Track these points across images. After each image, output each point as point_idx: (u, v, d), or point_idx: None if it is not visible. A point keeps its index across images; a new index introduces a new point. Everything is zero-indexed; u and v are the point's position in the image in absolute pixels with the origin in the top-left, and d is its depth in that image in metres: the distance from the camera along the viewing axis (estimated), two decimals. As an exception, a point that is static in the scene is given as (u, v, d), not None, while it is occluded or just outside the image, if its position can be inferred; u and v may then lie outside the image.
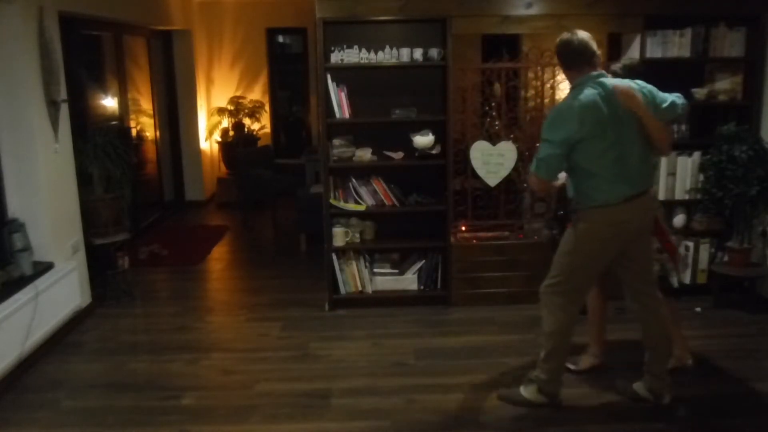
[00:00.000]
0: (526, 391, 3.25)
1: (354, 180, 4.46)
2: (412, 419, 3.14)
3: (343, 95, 4.31)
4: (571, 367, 3.48)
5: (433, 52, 4.29)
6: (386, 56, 4.30)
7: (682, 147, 4.48)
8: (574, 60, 2.96)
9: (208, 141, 8.16)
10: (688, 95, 4.43)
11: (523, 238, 4.54)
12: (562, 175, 3.18)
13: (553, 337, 3.13)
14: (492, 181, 4.41)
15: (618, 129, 2.89)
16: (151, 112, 6.98)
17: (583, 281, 3.13)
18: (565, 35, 2.99)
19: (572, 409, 3.20)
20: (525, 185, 4.53)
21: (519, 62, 4.49)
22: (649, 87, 3.04)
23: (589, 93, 2.87)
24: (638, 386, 3.28)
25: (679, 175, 4.47)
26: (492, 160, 4.38)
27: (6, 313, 3.41)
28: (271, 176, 7.06)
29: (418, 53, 4.28)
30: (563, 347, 3.16)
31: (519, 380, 3.47)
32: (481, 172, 4.41)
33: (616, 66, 3.40)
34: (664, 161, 4.44)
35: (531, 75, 4.52)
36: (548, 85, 4.46)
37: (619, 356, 3.65)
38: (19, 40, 3.77)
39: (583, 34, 2.95)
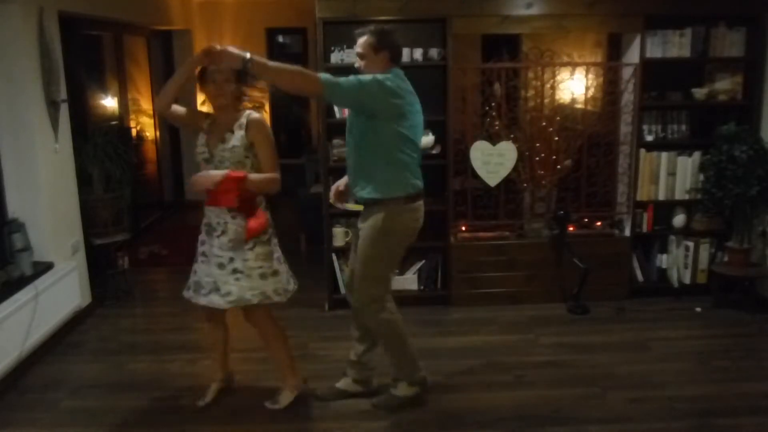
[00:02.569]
0: (399, 391, 3.24)
1: (354, 180, 4.45)
2: (412, 419, 3.14)
3: (343, 95, 4.30)
4: (200, 403, 3.28)
5: (433, 52, 4.29)
6: (386, 56, 4.29)
7: (682, 147, 4.48)
8: (399, 54, 3.07)
9: (208, 141, 8.15)
10: (688, 95, 4.45)
11: (524, 238, 4.55)
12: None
13: (392, 340, 3.15)
14: (492, 181, 4.41)
15: (419, 121, 3.00)
16: (151, 112, 6.97)
17: (390, 277, 3.14)
18: (383, 26, 3.04)
19: (572, 409, 3.20)
20: (525, 185, 4.53)
21: (519, 62, 4.49)
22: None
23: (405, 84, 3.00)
24: (343, 383, 3.34)
25: (679, 175, 4.48)
26: (492, 160, 4.38)
27: (6, 313, 3.41)
28: (271, 176, 7.05)
29: (418, 53, 4.28)
30: (405, 341, 3.16)
31: (520, 379, 3.48)
32: (481, 172, 4.41)
33: None
34: (664, 161, 4.45)
35: (531, 75, 4.52)
36: (548, 85, 4.46)
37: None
38: (19, 40, 3.77)
39: None
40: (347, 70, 4.32)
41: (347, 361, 3.34)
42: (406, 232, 3.05)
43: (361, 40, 2.97)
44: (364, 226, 3.03)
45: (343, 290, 4.50)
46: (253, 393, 3.41)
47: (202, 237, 3.08)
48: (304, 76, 2.78)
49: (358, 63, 3.02)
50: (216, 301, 3.00)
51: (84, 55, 5.24)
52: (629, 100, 4.43)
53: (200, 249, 3.09)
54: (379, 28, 2.98)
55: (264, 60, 2.74)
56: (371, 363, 3.32)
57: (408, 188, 2.98)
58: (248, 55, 2.67)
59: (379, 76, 2.86)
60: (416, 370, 3.24)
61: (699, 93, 4.41)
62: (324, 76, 2.80)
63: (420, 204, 3.06)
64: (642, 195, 4.49)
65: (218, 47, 2.71)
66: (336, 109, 4.31)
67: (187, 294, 3.13)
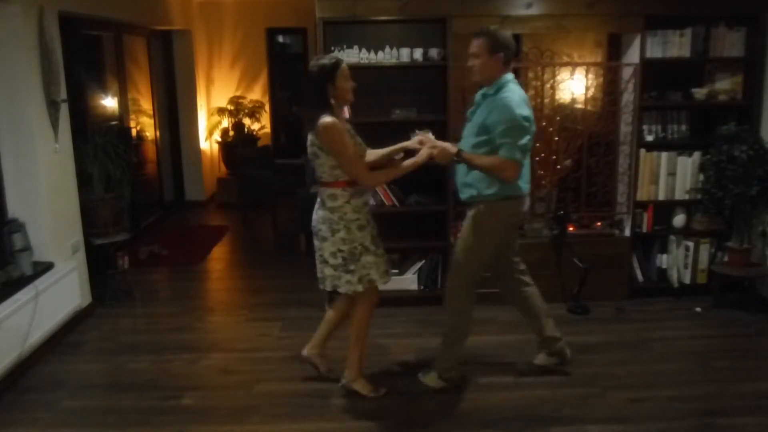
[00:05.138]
0: (427, 379, 3.42)
1: (354, 180, 4.45)
2: (412, 419, 3.14)
3: (343, 95, 4.31)
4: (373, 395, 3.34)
5: (433, 52, 4.29)
6: (386, 56, 4.30)
7: (682, 147, 4.48)
8: (512, 57, 3.16)
9: (208, 141, 8.16)
10: (688, 95, 4.45)
11: (524, 238, 4.54)
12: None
13: (458, 330, 3.35)
14: (492, 181, 4.41)
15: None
16: (151, 112, 6.97)
17: (481, 273, 3.35)
18: (497, 27, 3.18)
19: (572, 409, 3.20)
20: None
21: (519, 62, 4.49)
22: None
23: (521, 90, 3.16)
24: (540, 359, 3.53)
25: (679, 175, 4.47)
26: (492, 160, 4.37)
27: (6, 313, 3.41)
28: (271, 176, 7.06)
29: (418, 53, 4.29)
30: (464, 339, 3.40)
31: (520, 379, 3.48)
32: (481, 172, 4.40)
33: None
34: (664, 161, 4.45)
35: (531, 75, 4.52)
36: (548, 85, 4.46)
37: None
38: (19, 40, 3.77)
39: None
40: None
41: (537, 342, 3.53)
42: (502, 228, 3.26)
43: (477, 42, 3.09)
44: (466, 220, 3.25)
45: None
46: (253, 393, 3.41)
47: (363, 222, 3.14)
48: (500, 166, 3.04)
49: (471, 62, 3.13)
50: None
51: (84, 55, 5.24)
52: (629, 100, 4.43)
53: (371, 233, 3.19)
54: (494, 30, 3.12)
55: (469, 156, 3.12)
56: (557, 332, 3.48)
57: (510, 190, 3.15)
58: (456, 153, 3.13)
59: (518, 108, 3.00)
60: (452, 369, 3.40)
61: (699, 93, 4.41)
62: (508, 154, 3.01)
63: (519, 202, 3.22)
64: (642, 195, 4.49)
65: (435, 151, 3.13)
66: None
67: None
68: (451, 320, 3.37)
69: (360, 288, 3.13)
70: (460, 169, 3.26)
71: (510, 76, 3.14)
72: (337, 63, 3.06)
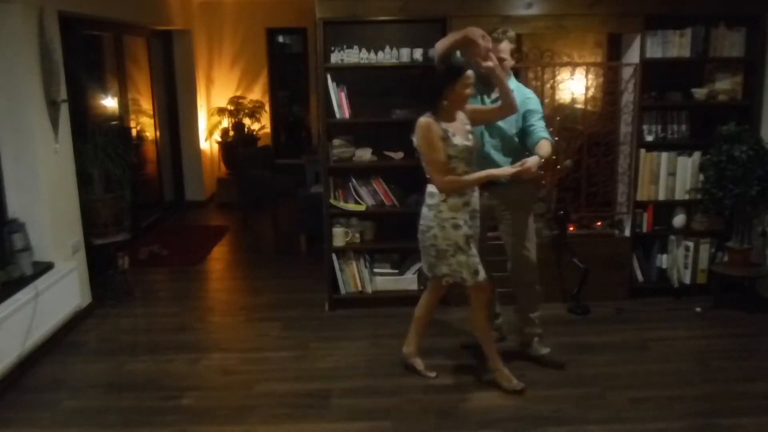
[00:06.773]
0: (543, 349, 3.68)
1: (354, 180, 4.46)
2: (412, 419, 3.14)
3: (343, 95, 4.31)
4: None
5: (433, 52, 4.28)
6: (386, 56, 4.30)
7: (682, 147, 4.48)
8: None
9: (208, 141, 8.16)
10: (688, 95, 4.45)
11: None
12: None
13: (539, 299, 3.70)
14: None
15: None
16: (151, 112, 6.97)
17: None
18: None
19: (572, 409, 3.20)
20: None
21: (519, 62, 4.49)
22: None
23: None
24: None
25: (679, 175, 4.47)
26: (492, 160, 4.39)
27: (6, 313, 3.41)
28: (271, 176, 7.06)
29: (418, 53, 4.28)
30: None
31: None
32: (481, 172, 4.41)
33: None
34: (664, 161, 4.45)
35: (531, 75, 4.51)
36: (548, 85, 4.46)
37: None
38: (19, 40, 3.77)
39: None
40: (347, 69, 4.36)
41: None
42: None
43: (506, 46, 3.44)
44: (516, 201, 3.52)
45: (343, 290, 4.52)
46: (253, 393, 3.41)
47: (458, 222, 3.17)
48: (550, 145, 3.34)
49: (507, 63, 3.44)
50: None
51: (84, 55, 5.24)
52: (629, 100, 4.43)
53: (466, 234, 3.21)
54: (513, 34, 3.50)
55: (543, 154, 3.26)
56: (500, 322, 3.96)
57: None
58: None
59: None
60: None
61: (699, 93, 4.40)
62: (549, 135, 3.40)
63: None
64: (642, 195, 4.49)
65: (531, 167, 3.15)
66: (336, 109, 4.31)
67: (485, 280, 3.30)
68: (531, 294, 3.63)
69: (451, 280, 3.27)
70: (496, 155, 3.48)
71: None
72: (464, 67, 3.09)
